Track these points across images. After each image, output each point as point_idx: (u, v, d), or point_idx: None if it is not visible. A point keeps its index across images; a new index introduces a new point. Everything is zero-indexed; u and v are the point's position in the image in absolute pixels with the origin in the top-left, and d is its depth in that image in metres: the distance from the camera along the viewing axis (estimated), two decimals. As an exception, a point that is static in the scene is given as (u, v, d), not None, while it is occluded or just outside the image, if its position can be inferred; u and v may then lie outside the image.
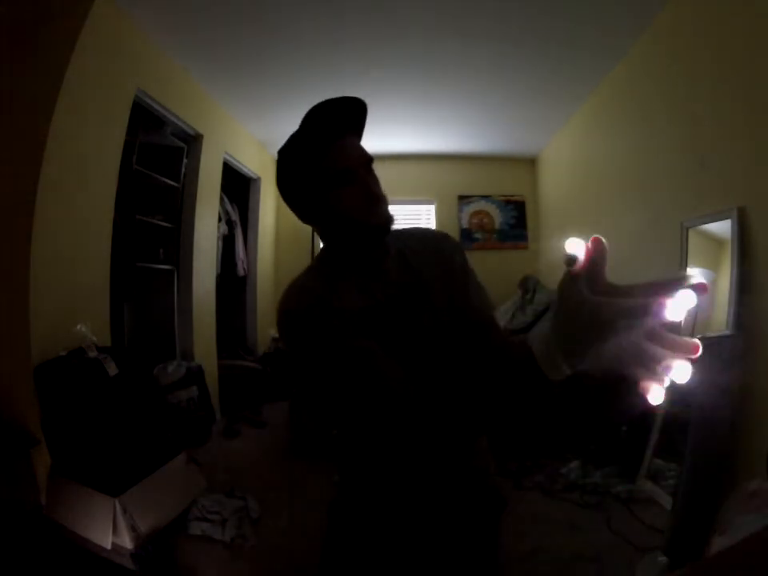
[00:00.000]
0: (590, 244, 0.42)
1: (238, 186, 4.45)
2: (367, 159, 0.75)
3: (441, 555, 0.77)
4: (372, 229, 0.74)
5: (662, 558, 1.54)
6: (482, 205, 4.98)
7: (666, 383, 0.40)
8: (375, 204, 0.73)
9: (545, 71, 3.08)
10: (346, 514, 0.82)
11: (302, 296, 0.73)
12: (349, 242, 0.77)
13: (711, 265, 2.11)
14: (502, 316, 3.89)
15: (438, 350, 0.76)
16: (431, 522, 0.77)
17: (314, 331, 0.69)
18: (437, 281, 0.80)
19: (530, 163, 5.01)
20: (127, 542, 1.71)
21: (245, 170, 4.32)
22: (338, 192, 0.73)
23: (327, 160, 0.73)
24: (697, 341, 0.38)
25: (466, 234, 4.91)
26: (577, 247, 0.42)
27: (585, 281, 0.43)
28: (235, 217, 4.29)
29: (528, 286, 4.02)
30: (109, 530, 1.72)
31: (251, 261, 4.51)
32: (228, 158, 3.86)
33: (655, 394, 0.40)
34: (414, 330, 0.75)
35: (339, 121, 0.73)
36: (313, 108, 0.73)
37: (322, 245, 0.85)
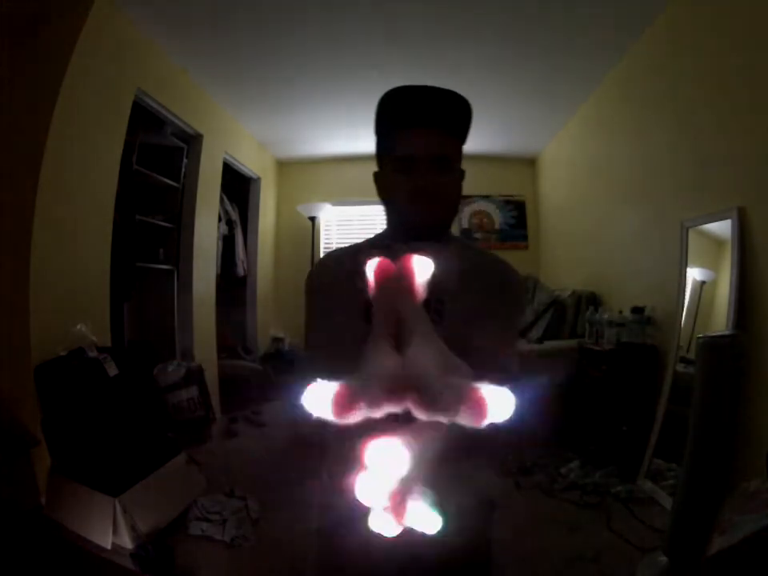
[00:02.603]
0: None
1: (238, 186, 4.45)
2: (433, 154, 0.71)
3: (427, 552, 0.75)
4: (406, 222, 0.74)
5: (662, 558, 1.54)
6: (481, 205, 4.97)
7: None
8: (416, 199, 0.71)
9: (545, 71, 3.08)
10: (326, 503, 0.80)
11: (327, 261, 0.84)
12: (391, 227, 0.80)
13: (711, 265, 2.11)
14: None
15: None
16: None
17: (313, 293, 0.80)
18: (460, 310, 0.70)
19: (530, 163, 5.00)
20: (127, 542, 1.72)
21: (245, 170, 4.31)
22: (393, 178, 0.74)
23: (393, 146, 0.74)
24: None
25: (466, 234, 4.90)
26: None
27: None
28: (235, 217, 4.29)
29: (528, 286, 4.01)
30: (109, 529, 1.72)
31: (251, 261, 4.50)
32: (228, 158, 3.86)
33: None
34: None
35: (416, 109, 0.72)
36: (396, 90, 0.72)
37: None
